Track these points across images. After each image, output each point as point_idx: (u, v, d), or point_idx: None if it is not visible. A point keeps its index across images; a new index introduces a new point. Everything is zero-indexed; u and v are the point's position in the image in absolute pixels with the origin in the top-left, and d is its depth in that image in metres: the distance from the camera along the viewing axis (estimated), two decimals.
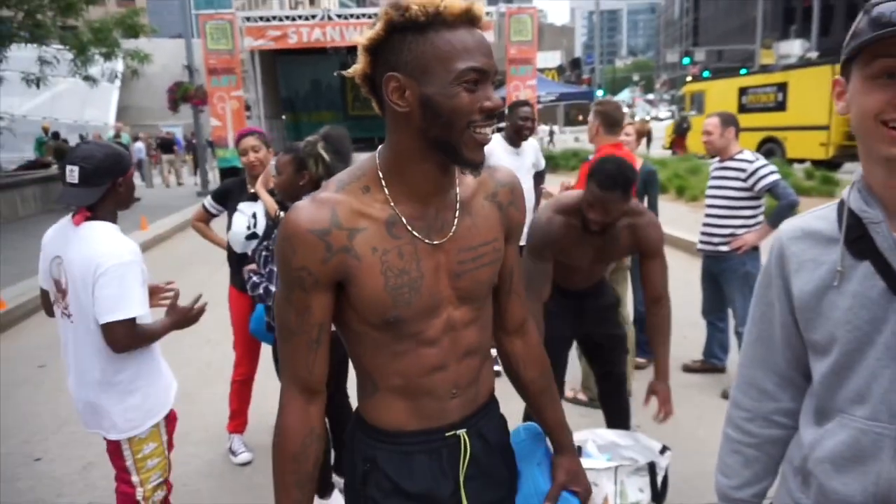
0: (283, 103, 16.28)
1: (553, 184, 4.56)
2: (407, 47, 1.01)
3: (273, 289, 2.49)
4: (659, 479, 2.37)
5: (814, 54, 26.21)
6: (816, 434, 1.04)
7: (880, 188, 0.97)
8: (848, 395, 0.99)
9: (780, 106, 15.82)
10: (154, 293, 2.13)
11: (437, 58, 1.01)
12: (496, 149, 3.99)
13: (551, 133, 27.26)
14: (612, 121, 3.61)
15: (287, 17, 13.91)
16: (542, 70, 20.95)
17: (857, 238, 0.98)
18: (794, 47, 28.99)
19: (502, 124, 3.91)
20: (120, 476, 2.03)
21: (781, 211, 3.68)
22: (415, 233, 1.11)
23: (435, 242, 1.13)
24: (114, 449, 2.00)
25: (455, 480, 1.22)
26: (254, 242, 2.97)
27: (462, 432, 1.22)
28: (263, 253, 2.57)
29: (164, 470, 2.06)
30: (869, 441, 0.97)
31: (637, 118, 20.42)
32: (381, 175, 1.11)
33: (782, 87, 15.83)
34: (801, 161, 14.38)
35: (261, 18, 13.78)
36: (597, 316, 2.79)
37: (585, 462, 2.32)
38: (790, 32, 36.74)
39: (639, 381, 3.62)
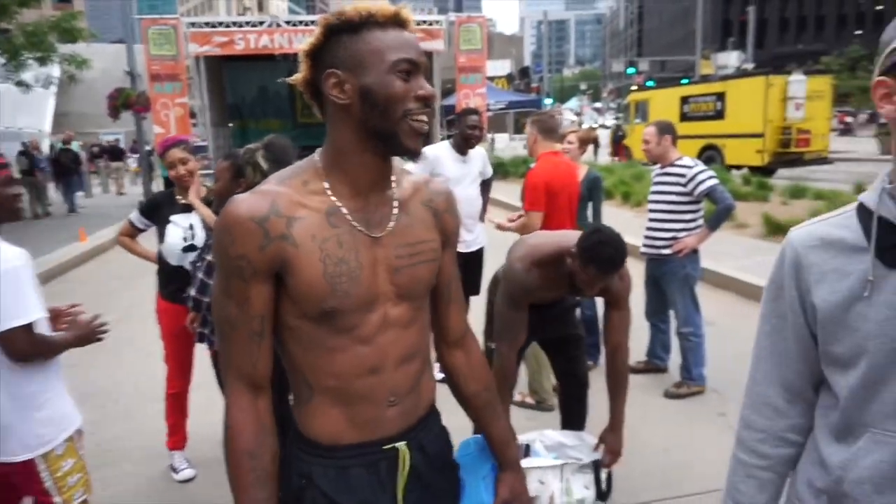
0: (230, 110, 15.89)
1: (501, 192, 4.60)
2: (343, 46, 1.08)
3: (205, 299, 2.43)
4: (603, 477, 2.42)
5: (750, 65, 27.45)
6: (846, 453, 0.99)
7: None
8: (882, 409, 0.95)
9: (719, 115, 16.50)
10: (57, 317, 1.99)
11: (372, 51, 1.08)
12: (443, 156, 4.00)
13: (492, 140, 27.70)
14: (547, 127, 3.71)
15: (234, 24, 13.64)
16: (491, 78, 21.18)
17: (890, 246, 0.93)
18: (731, 58, 30.30)
19: (452, 132, 3.94)
20: (40, 501, 1.87)
21: (719, 214, 3.82)
22: (354, 223, 1.12)
23: (374, 235, 1.14)
24: (26, 474, 1.83)
25: (393, 495, 1.21)
26: (192, 255, 2.88)
27: (401, 445, 1.20)
28: (198, 263, 2.51)
29: (86, 486, 1.96)
30: None
31: (585, 126, 20.89)
32: (320, 170, 1.14)
33: (721, 96, 16.51)
34: (739, 167, 14.99)
35: (207, 24, 13.46)
36: (557, 317, 2.83)
37: (533, 461, 2.36)
38: (728, 44, 38.42)
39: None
